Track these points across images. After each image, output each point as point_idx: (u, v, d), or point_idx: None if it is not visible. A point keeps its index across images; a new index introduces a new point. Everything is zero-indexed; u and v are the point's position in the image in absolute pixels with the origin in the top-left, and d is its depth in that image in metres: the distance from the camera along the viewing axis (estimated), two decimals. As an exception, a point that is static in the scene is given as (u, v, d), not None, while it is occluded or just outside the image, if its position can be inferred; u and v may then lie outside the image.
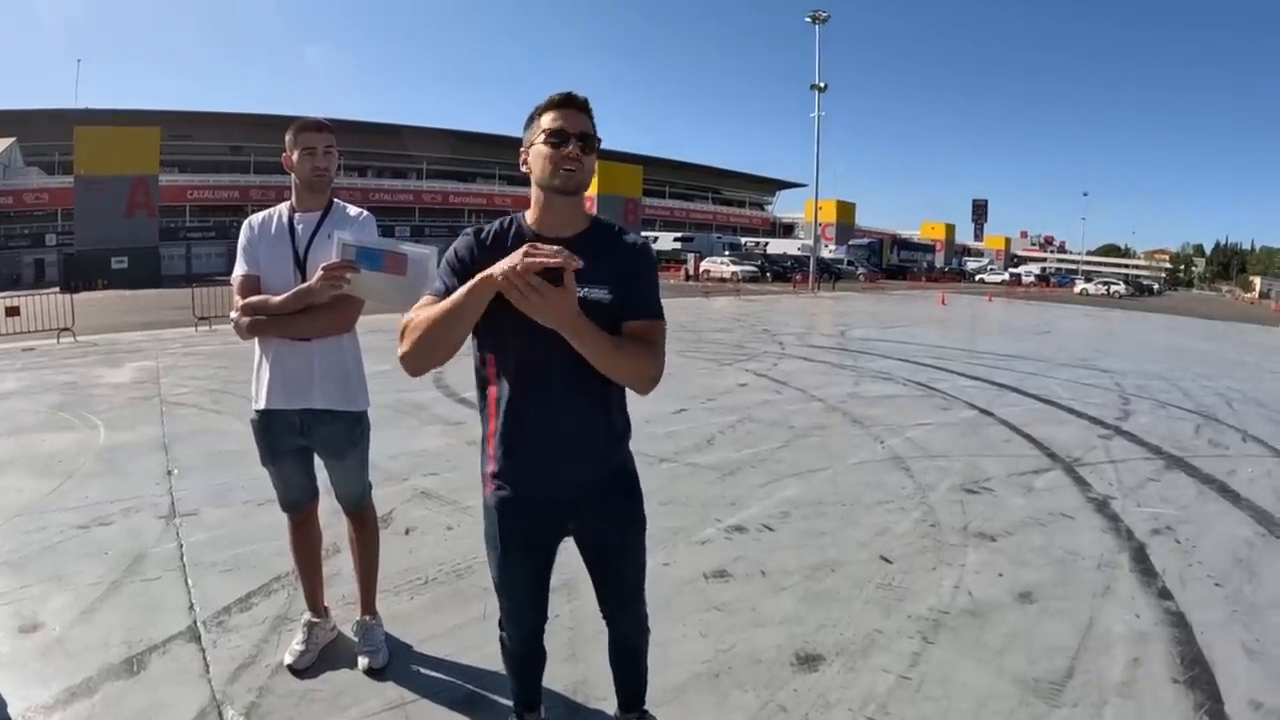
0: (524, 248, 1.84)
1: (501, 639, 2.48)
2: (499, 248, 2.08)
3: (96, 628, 3.48)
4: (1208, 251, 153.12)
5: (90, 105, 56.14)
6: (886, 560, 4.40)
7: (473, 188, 71.76)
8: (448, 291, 2.01)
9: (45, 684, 3.03)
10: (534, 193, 2.13)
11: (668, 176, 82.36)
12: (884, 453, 6.78)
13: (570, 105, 2.07)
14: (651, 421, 7.34)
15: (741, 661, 3.31)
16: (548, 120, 2.06)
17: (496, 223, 2.18)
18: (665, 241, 60.04)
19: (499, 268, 1.85)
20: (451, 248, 2.16)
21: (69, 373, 10.52)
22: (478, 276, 1.90)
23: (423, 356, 1.99)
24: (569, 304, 1.87)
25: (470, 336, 2.07)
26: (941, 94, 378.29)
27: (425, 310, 1.99)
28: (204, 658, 3.24)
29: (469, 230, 2.17)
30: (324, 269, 2.77)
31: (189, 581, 3.97)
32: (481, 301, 1.91)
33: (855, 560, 4.41)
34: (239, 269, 3.03)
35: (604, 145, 2.15)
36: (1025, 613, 3.81)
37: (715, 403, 8.73)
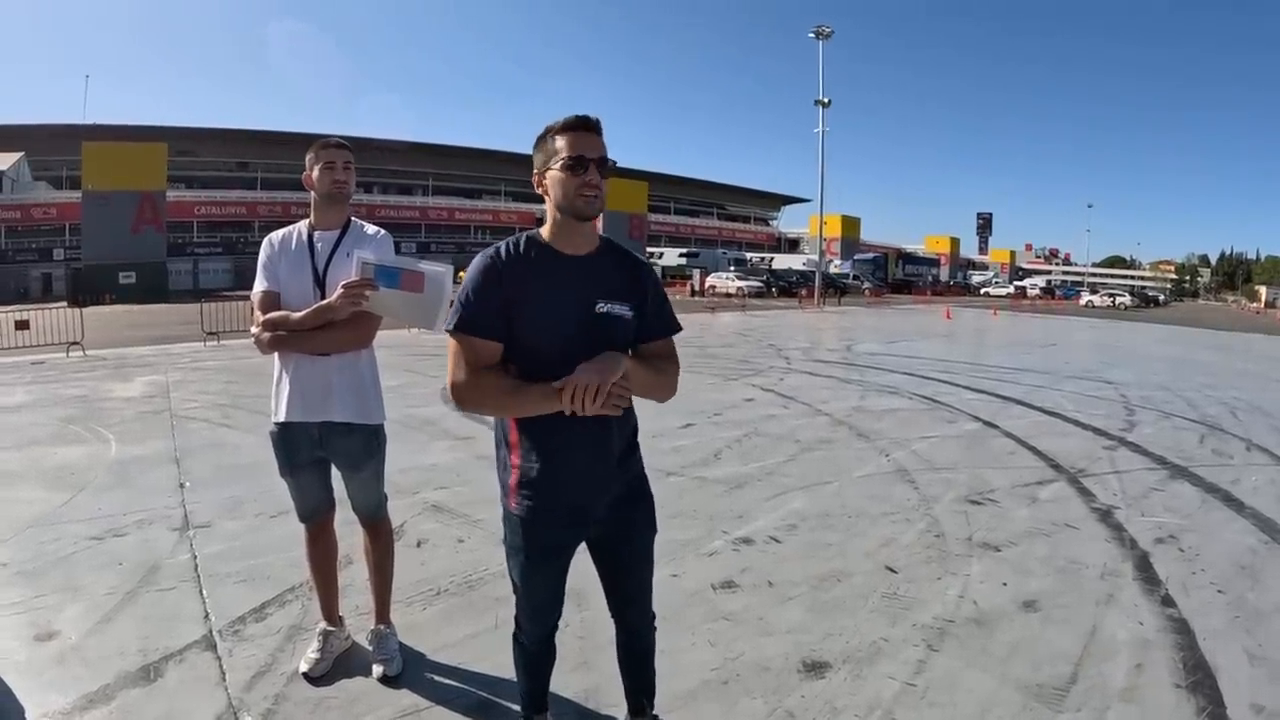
0: (609, 382, 1.99)
1: (516, 636, 2.53)
2: (520, 268, 2.12)
3: (112, 636, 3.52)
4: (1213, 262, 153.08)
5: (98, 121, 56.55)
6: (892, 570, 4.44)
7: (479, 204, 72.02)
8: (483, 328, 2.09)
9: (63, 691, 3.08)
10: (551, 214, 2.16)
11: (672, 192, 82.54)
12: (889, 465, 6.82)
13: (585, 129, 2.10)
14: (659, 436, 7.39)
15: (750, 669, 3.35)
16: (564, 145, 2.08)
17: (508, 243, 2.18)
18: (670, 257, 60.12)
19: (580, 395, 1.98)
20: (471, 280, 2.12)
21: (79, 386, 10.58)
22: (555, 393, 2.00)
23: (480, 411, 2.20)
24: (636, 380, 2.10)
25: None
26: (945, 108, 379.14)
27: (509, 386, 2.09)
28: (220, 666, 3.29)
29: (486, 255, 2.15)
30: (344, 286, 2.85)
31: (204, 592, 4.02)
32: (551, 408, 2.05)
33: (861, 571, 4.45)
34: (259, 285, 3.09)
35: (616, 166, 2.18)
36: (1029, 621, 3.84)
37: (722, 417, 8.76)
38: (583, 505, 2.27)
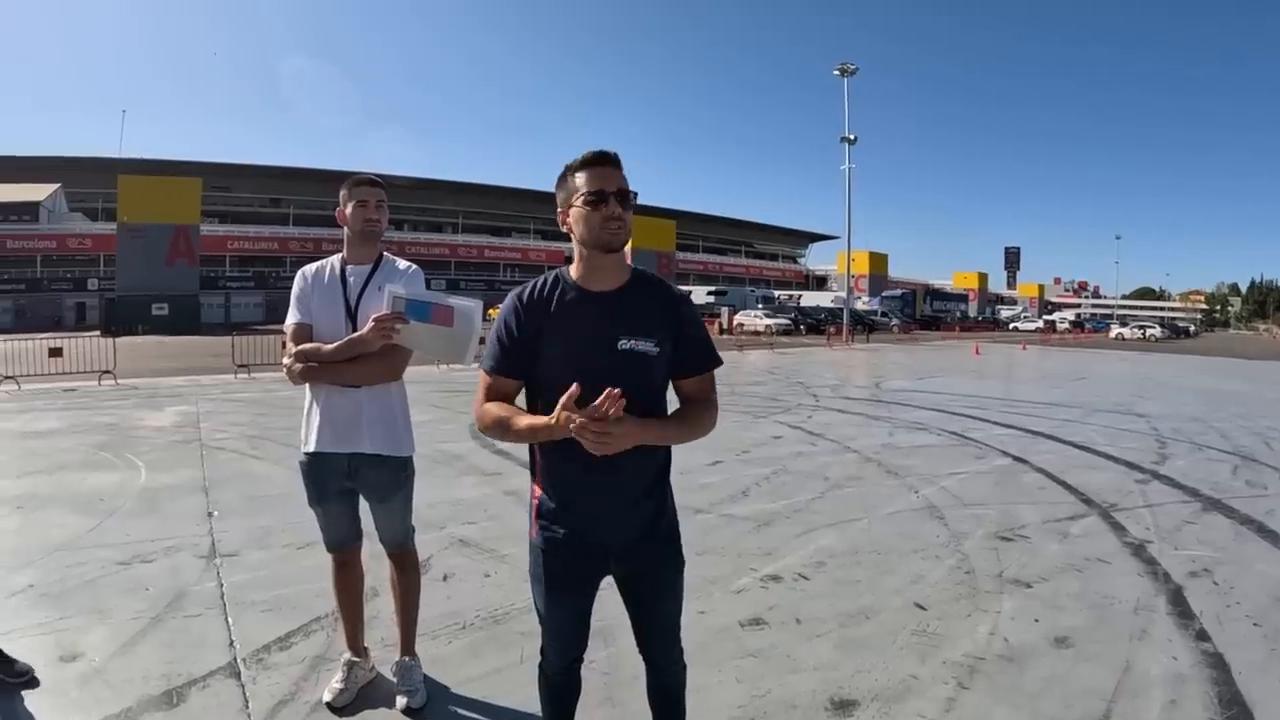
0: (589, 411, 1.92)
1: (541, 665, 2.51)
2: (542, 307, 2.18)
3: (136, 660, 3.55)
4: (1243, 290, 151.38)
5: (134, 155, 57.78)
6: (921, 607, 4.37)
7: (508, 242, 72.88)
8: (500, 365, 2.21)
9: (85, 712, 3.10)
10: (577, 250, 2.19)
11: (701, 231, 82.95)
12: (919, 502, 6.74)
13: (603, 163, 2.12)
14: (686, 473, 7.34)
15: (777, 706, 3.30)
16: (583, 181, 2.10)
17: (539, 280, 2.24)
18: (699, 295, 60.10)
19: (565, 420, 1.96)
20: (497, 319, 2.24)
21: (110, 414, 10.78)
22: (549, 424, 2.01)
23: (489, 435, 2.25)
24: (629, 440, 2.00)
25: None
26: (972, 143, 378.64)
27: (501, 417, 2.16)
28: (244, 693, 3.29)
29: (512, 295, 2.25)
30: (375, 320, 2.89)
31: (229, 620, 4.03)
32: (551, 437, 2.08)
33: (890, 608, 4.39)
34: (292, 317, 3.14)
35: (637, 200, 2.18)
36: (1061, 657, 3.77)
37: (750, 455, 8.69)
38: (598, 541, 2.25)
